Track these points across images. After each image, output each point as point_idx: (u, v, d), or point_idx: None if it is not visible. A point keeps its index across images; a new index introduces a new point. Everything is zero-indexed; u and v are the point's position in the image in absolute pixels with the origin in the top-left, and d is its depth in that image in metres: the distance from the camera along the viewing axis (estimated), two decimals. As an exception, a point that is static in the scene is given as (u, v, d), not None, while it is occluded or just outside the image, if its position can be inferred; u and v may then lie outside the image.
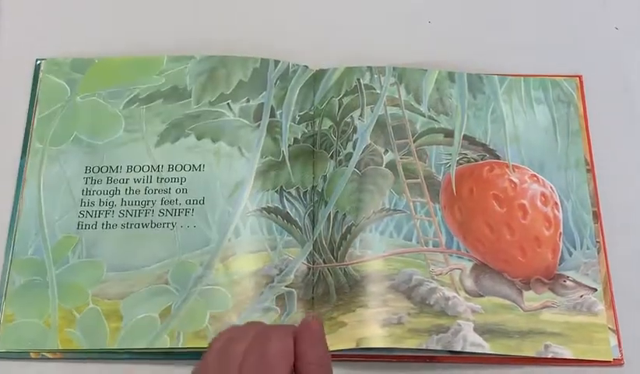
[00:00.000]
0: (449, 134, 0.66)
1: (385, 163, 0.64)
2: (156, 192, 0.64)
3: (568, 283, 0.61)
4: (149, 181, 0.64)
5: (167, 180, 0.64)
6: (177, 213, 0.63)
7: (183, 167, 0.65)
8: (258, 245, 0.62)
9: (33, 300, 0.61)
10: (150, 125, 0.66)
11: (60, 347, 0.59)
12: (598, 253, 0.63)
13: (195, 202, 0.64)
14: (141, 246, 0.61)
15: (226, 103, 0.66)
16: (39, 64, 0.69)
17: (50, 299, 0.60)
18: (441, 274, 0.61)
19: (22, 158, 0.65)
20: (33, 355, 0.59)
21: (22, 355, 0.59)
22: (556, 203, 0.64)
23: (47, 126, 0.66)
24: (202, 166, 0.65)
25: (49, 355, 0.59)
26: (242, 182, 0.64)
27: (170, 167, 0.65)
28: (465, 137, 0.66)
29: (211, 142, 0.65)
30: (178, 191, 0.64)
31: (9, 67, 0.69)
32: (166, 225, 0.63)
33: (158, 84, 0.68)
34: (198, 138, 0.65)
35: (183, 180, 0.64)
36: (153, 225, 0.63)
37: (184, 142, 0.65)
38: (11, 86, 0.68)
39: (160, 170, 0.65)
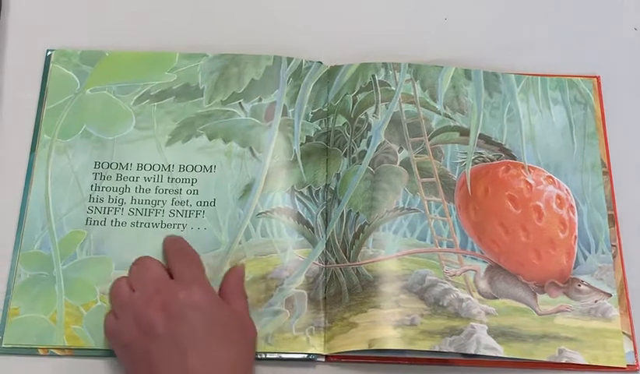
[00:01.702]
0: (465, 132, 0.66)
1: (399, 161, 0.65)
2: (167, 192, 0.64)
3: (583, 287, 0.62)
4: (159, 180, 0.65)
5: (177, 180, 0.65)
6: (187, 215, 0.63)
7: (194, 168, 0.65)
8: (269, 247, 0.62)
9: (38, 295, 0.61)
10: (161, 123, 0.66)
11: (66, 344, 0.59)
12: (614, 258, 0.63)
13: (205, 203, 0.64)
14: (150, 246, 0.61)
15: (237, 102, 0.67)
16: (49, 55, 0.69)
17: (56, 295, 0.61)
18: (454, 275, 0.61)
19: (32, 151, 0.66)
20: (41, 351, 0.60)
21: (30, 351, 0.60)
22: (571, 206, 0.64)
23: (55, 118, 0.66)
24: (213, 167, 0.65)
25: (57, 352, 0.59)
26: (253, 183, 0.64)
27: (182, 168, 0.65)
28: (480, 136, 0.66)
29: (222, 143, 0.66)
30: (189, 192, 0.64)
31: (21, 57, 0.70)
32: (176, 226, 0.63)
33: (170, 81, 0.68)
34: (210, 138, 0.66)
35: (194, 181, 0.65)
36: (163, 225, 0.63)
37: (195, 141, 0.66)
38: (22, 76, 0.69)
39: (171, 169, 0.65)
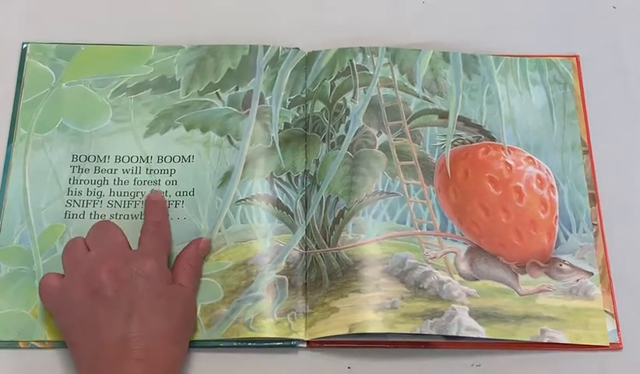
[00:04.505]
0: (444, 115, 0.68)
1: (378, 145, 0.67)
2: (146, 183, 0.66)
3: (564, 267, 0.64)
4: (137, 172, 0.67)
5: (156, 171, 0.67)
6: (166, 205, 0.65)
7: (172, 159, 0.67)
8: (249, 234, 0.64)
9: (19, 290, 0.62)
10: (138, 115, 0.68)
11: (48, 338, 0.61)
12: (595, 236, 0.65)
13: (184, 193, 0.66)
14: (130, 237, 0.62)
15: (214, 92, 0.69)
16: (25, 47, 0.71)
17: (37, 289, 0.61)
18: (435, 258, 0.63)
19: (8, 144, 0.67)
20: (21, 344, 0.61)
21: (10, 345, 0.61)
22: (552, 186, 0.66)
23: (32, 112, 0.68)
24: (191, 157, 0.67)
25: (38, 345, 0.61)
26: (232, 171, 0.66)
27: (160, 159, 0.67)
28: (460, 118, 0.68)
29: (200, 133, 0.68)
30: (168, 182, 0.66)
31: (-3, 50, 0.71)
32: None
33: (146, 74, 0.70)
34: (188, 128, 0.68)
35: (172, 171, 0.67)
36: (142, 217, 0.65)
37: (173, 132, 0.68)
38: (-2, 69, 0.70)
39: (149, 161, 0.67)
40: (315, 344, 0.61)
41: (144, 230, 0.62)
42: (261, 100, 0.68)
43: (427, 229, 0.64)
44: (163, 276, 0.59)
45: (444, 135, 0.68)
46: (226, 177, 0.66)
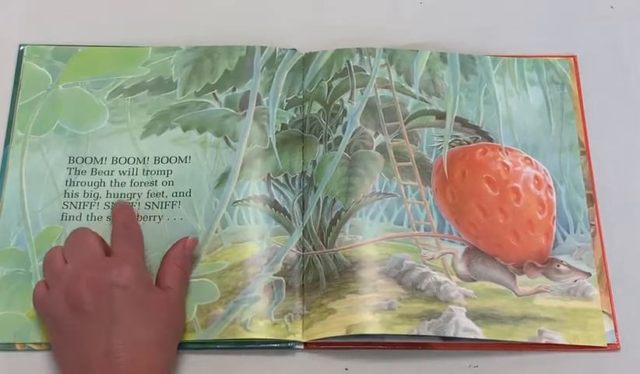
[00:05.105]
0: (441, 116, 0.69)
1: (375, 146, 0.67)
2: (142, 184, 0.67)
3: (562, 267, 0.64)
4: (134, 173, 0.67)
5: (153, 172, 0.67)
6: (163, 206, 0.66)
7: (169, 160, 0.67)
8: (246, 234, 0.64)
9: (15, 292, 0.63)
10: (135, 116, 0.69)
11: (44, 340, 0.61)
12: (593, 237, 0.65)
13: (181, 194, 0.66)
14: None
15: (211, 93, 0.69)
16: (22, 49, 0.71)
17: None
18: (432, 259, 0.64)
19: (5, 146, 0.68)
20: (18, 347, 0.62)
21: (7, 347, 0.61)
22: (549, 187, 0.67)
23: (28, 114, 0.69)
24: (188, 158, 0.67)
25: (34, 347, 0.62)
26: (229, 172, 0.66)
27: (157, 160, 0.67)
28: (457, 119, 0.69)
29: (197, 134, 0.68)
30: (165, 183, 0.67)
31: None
32: (152, 218, 0.66)
33: (143, 75, 0.70)
34: (184, 129, 0.68)
35: (169, 172, 0.67)
36: (140, 218, 0.65)
37: (170, 133, 0.68)
38: (-5, 71, 0.71)
39: (146, 162, 0.67)
40: (312, 346, 0.62)
41: (114, 234, 0.62)
42: (259, 101, 0.69)
43: (425, 230, 0.65)
44: (142, 283, 0.58)
45: (442, 136, 0.68)
46: (223, 178, 0.66)
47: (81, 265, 0.58)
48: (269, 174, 0.66)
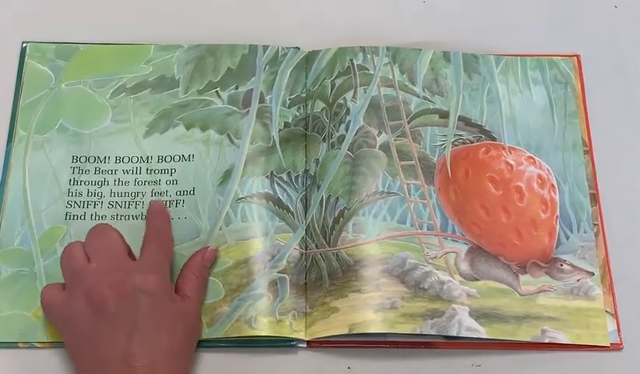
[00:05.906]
0: (444, 115, 0.69)
1: (378, 145, 0.67)
2: (146, 183, 0.67)
3: (565, 267, 0.65)
4: (138, 172, 0.67)
5: (156, 171, 0.67)
6: (167, 205, 0.66)
7: (172, 158, 0.68)
8: (250, 232, 0.65)
9: (20, 292, 0.63)
10: (138, 115, 0.69)
11: (49, 340, 0.61)
12: (596, 236, 0.66)
13: (185, 192, 0.67)
14: (130, 238, 0.63)
15: (214, 91, 0.70)
16: (25, 47, 0.72)
17: (38, 291, 0.62)
18: (435, 258, 0.64)
19: (8, 145, 0.68)
20: (21, 345, 0.62)
21: (10, 345, 0.62)
22: (553, 186, 0.67)
23: (31, 113, 0.69)
24: (191, 156, 0.68)
25: (38, 345, 0.62)
26: (232, 169, 0.67)
27: (160, 158, 0.68)
28: (460, 118, 0.69)
29: (200, 132, 0.68)
30: (168, 182, 0.67)
31: (-3, 49, 0.72)
32: None
33: (145, 73, 0.71)
34: (187, 127, 0.69)
35: (173, 171, 0.67)
36: (144, 217, 0.65)
37: (172, 132, 0.69)
38: (-2, 69, 0.71)
39: (150, 161, 0.68)
40: (315, 344, 0.62)
41: (147, 239, 0.62)
42: (262, 99, 0.69)
43: (428, 229, 0.65)
44: (166, 293, 0.58)
45: (445, 135, 0.69)
46: (227, 175, 0.67)
47: (106, 266, 0.58)
48: (272, 172, 0.67)
